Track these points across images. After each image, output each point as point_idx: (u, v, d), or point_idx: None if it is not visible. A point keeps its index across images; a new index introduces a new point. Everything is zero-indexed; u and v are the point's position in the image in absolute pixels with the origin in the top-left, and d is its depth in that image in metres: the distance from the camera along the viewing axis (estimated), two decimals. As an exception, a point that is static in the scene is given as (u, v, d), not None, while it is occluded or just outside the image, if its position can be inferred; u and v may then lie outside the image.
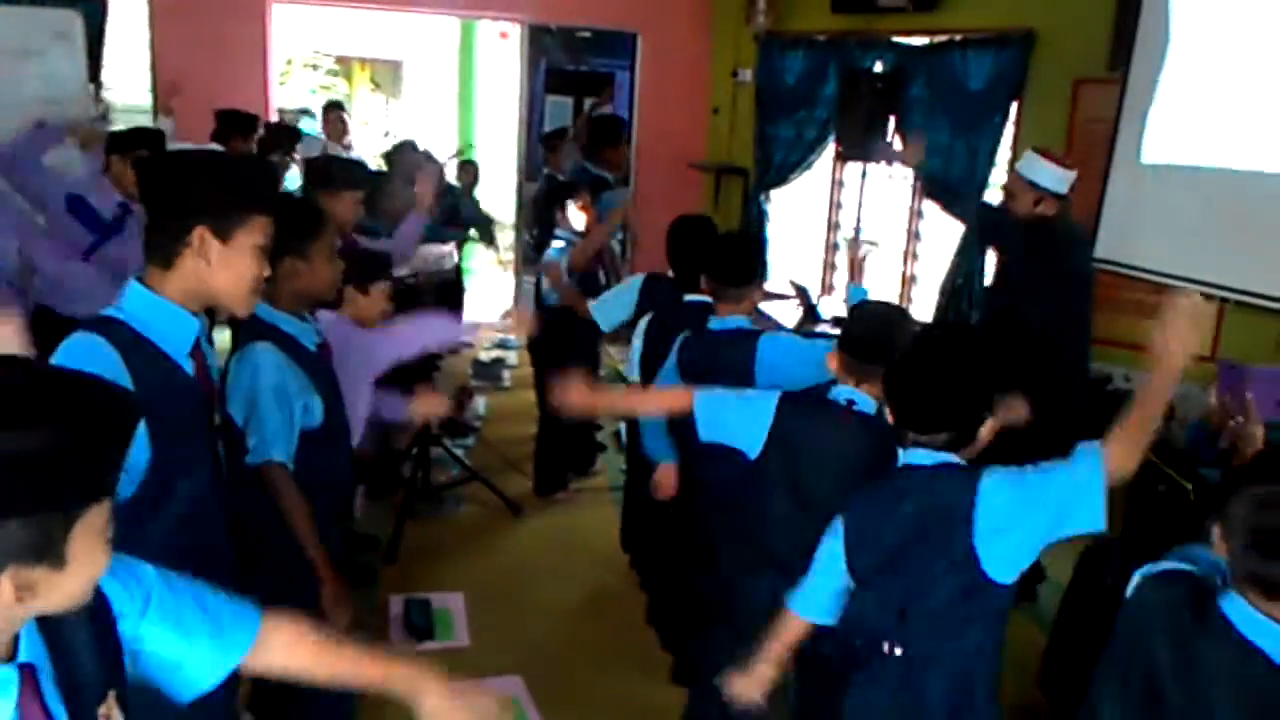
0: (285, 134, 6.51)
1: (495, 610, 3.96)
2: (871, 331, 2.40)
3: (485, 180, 7.66)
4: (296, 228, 2.32)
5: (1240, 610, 1.56)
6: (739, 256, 3.07)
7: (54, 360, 1.71)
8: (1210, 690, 1.57)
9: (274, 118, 7.40)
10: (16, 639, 1.14)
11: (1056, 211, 4.02)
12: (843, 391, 2.41)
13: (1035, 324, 3.94)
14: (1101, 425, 1.85)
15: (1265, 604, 1.54)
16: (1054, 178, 4.00)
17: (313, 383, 2.38)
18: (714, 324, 3.01)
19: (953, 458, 1.97)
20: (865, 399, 2.38)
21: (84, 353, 1.74)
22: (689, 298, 3.49)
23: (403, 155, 6.22)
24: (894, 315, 2.53)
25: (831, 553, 2.10)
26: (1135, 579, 1.76)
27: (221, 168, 1.92)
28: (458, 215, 6.83)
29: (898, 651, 1.99)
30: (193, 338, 1.89)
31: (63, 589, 1.11)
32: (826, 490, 2.28)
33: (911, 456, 1.99)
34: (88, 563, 1.11)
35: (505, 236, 9.40)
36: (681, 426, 2.84)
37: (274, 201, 1.97)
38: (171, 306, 1.84)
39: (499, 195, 9.74)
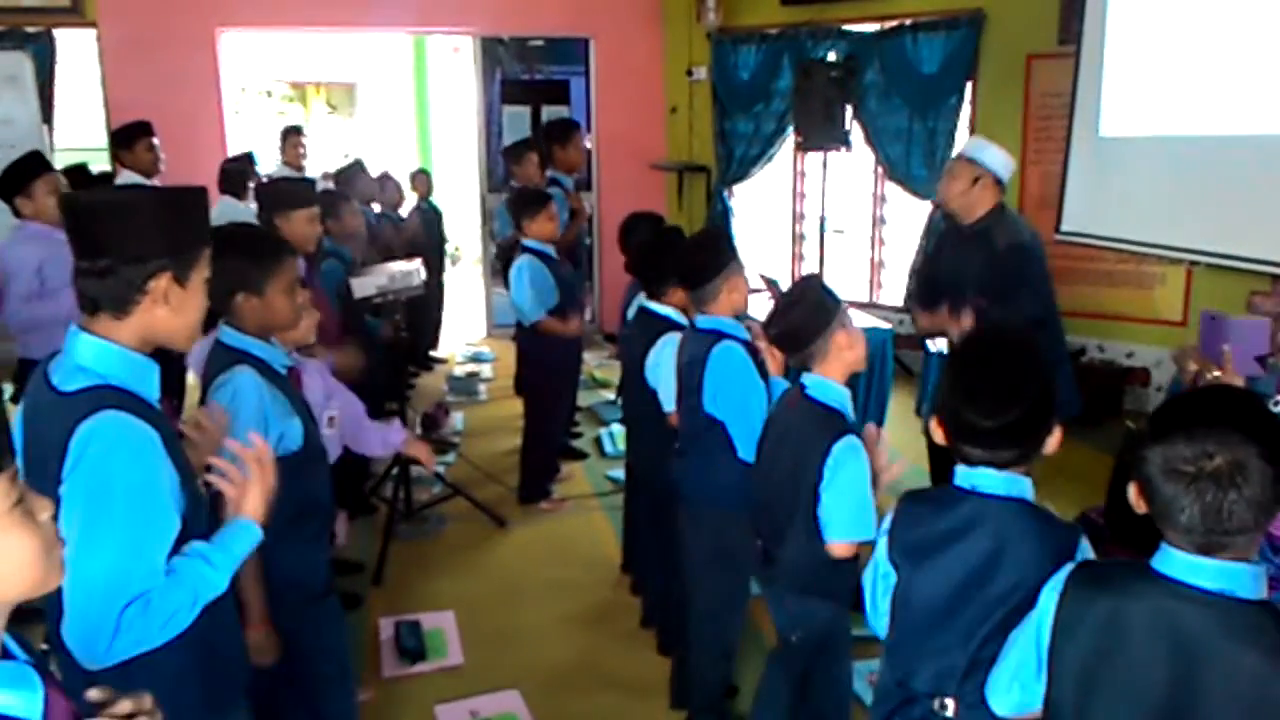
0: (241, 161, 6.27)
1: (488, 625, 3.92)
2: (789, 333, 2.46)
3: (449, 195, 7.62)
4: (248, 262, 2.24)
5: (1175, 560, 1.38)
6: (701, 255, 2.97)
7: (97, 453, 1.57)
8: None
9: (229, 144, 7.30)
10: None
11: (996, 202, 3.72)
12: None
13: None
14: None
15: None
16: (999, 159, 3.74)
17: (291, 404, 2.33)
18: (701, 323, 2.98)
19: (1027, 492, 1.73)
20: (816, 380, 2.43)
21: (130, 439, 1.60)
22: (657, 309, 3.45)
23: (354, 176, 6.16)
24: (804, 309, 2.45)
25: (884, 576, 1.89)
26: None
27: (167, 206, 1.74)
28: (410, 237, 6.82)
29: (948, 708, 1.75)
30: (158, 383, 1.75)
31: None
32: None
33: (979, 479, 1.74)
34: None
35: (472, 249, 9.37)
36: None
37: (210, 228, 1.82)
38: (135, 357, 1.69)
39: (461, 208, 9.72)
